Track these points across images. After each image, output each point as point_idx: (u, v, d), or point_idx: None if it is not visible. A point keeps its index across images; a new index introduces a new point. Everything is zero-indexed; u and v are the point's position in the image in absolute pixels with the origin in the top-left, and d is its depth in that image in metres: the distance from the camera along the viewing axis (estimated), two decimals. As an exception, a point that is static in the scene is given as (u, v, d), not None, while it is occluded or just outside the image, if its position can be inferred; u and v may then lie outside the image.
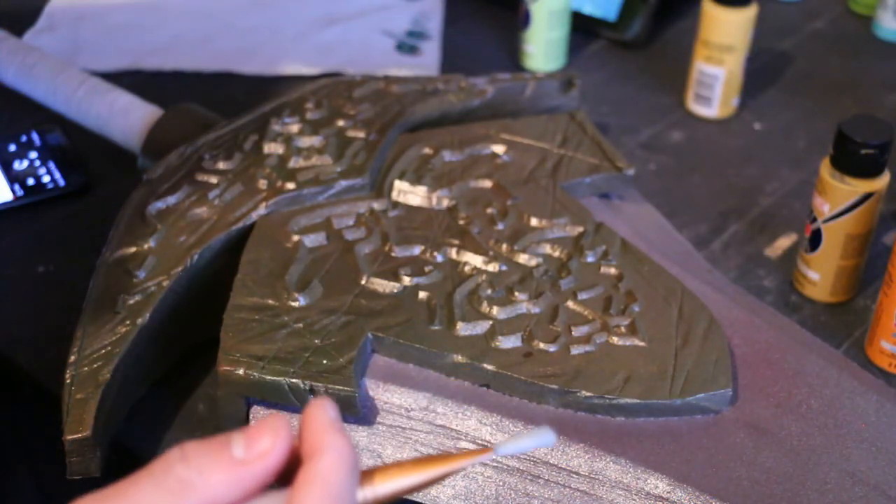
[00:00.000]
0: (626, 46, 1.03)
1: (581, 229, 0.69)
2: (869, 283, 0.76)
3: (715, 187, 0.86)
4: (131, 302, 0.63)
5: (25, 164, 0.84)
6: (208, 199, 0.69)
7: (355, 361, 0.58)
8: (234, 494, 0.34)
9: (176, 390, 0.67)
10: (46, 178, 0.83)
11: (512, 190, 0.72)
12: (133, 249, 0.66)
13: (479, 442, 0.58)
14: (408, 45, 1.02)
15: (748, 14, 0.89)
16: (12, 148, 0.85)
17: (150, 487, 0.34)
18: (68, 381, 0.59)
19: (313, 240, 0.67)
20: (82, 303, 0.64)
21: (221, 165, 0.72)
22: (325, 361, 0.58)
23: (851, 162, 0.69)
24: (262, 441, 0.35)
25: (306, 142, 0.74)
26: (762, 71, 0.99)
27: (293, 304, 0.62)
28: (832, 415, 0.60)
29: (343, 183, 0.70)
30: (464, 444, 0.58)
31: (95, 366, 0.60)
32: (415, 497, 0.58)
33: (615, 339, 0.62)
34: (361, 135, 0.75)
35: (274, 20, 1.05)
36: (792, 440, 0.59)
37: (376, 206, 0.70)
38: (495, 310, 0.62)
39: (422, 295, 0.63)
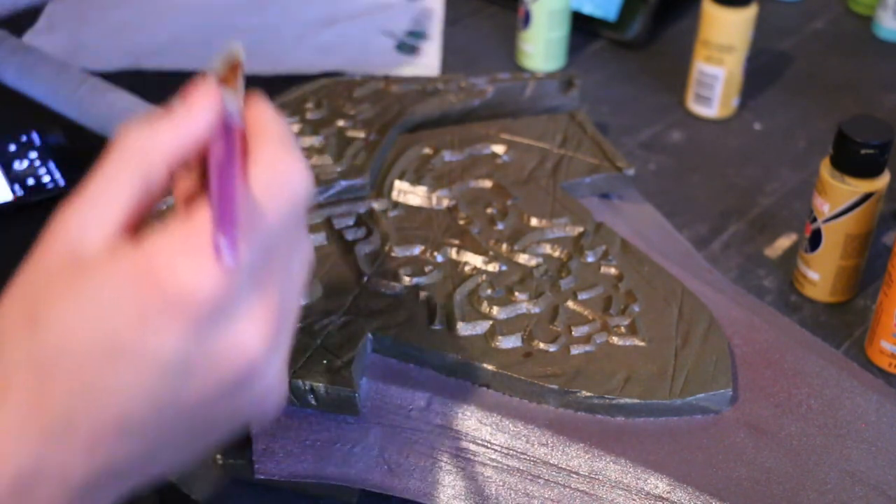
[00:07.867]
0: (626, 46, 1.03)
1: (581, 229, 0.69)
2: (869, 283, 0.76)
3: (715, 187, 0.86)
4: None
5: (25, 164, 0.84)
6: (208, 199, 0.69)
7: (355, 361, 0.58)
8: (184, 143, 0.39)
9: (176, 390, 0.67)
10: (46, 178, 0.83)
11: (512, 190, 0.72)
12: (133, 249, 0.66)
13: (479, 442, 0.58)
14: (408, 45, 1.02)
15: (748, 14, 0.89)
16: (12, 148, 0.85)
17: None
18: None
19: (313, 240, 0.67)
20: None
21: (221, 165, 0.72)
22: (325, 361, 0.58)
23: (851, 162, 0.69)
24: (195, 94, 0.40)
25: (306, 142, 0.74)
26: (762, 71, 0.99)
27: (293, 304, 0.62)
28: (832, 415, 0.60)
29: (343, 183, 0.70)
30: (464, 444, 0.58)
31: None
32: (414, 497, 0.59)
33: (615, 339, 0.62)
34: (361, 135, 0.75)
35: (274, 20, 1.05)
36: (792, 440, 0.59)
37: (376, 206, 0.70)
38: (495, 310, 0.62)
39: (422, 295, 0.63)
